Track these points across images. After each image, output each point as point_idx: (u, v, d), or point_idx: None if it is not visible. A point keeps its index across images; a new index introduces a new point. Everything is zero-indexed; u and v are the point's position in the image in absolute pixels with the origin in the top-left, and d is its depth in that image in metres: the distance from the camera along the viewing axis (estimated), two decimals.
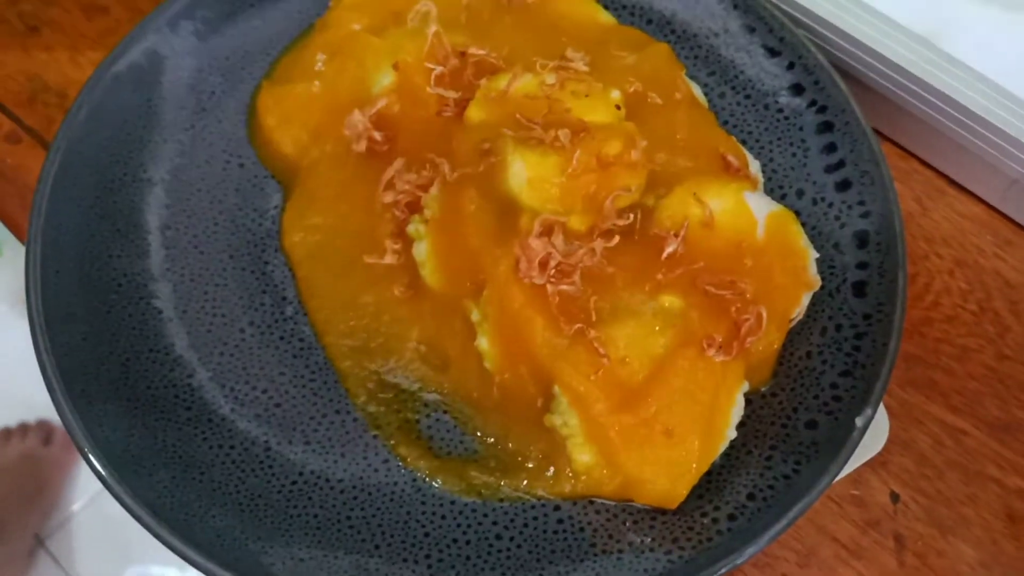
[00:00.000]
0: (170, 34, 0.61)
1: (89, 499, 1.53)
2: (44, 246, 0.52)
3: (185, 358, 0.53)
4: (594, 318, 0.50)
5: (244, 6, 0.64)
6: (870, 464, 0.56)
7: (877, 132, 0.68)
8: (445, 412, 0.53)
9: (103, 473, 0.46)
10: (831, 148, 0.60)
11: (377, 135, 0.57)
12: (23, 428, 1.58)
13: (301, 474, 0.51)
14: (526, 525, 0.49)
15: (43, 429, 1.59)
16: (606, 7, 0.66)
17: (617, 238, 0.51)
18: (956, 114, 0.62)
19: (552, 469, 0.51)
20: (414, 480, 0.51)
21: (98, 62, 0.68)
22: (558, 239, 0.50)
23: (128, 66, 0.59)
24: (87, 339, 0.51)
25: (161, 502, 0.46)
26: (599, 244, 0.50)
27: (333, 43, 0.61)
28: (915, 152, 0.68)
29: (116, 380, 0.51)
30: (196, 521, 0.46)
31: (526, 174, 0.51)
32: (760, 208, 0.54)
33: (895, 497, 0.55)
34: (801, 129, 0.62)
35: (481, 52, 0.57)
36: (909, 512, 0.55)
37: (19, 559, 1.49)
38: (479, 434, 0.53)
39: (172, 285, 0.56)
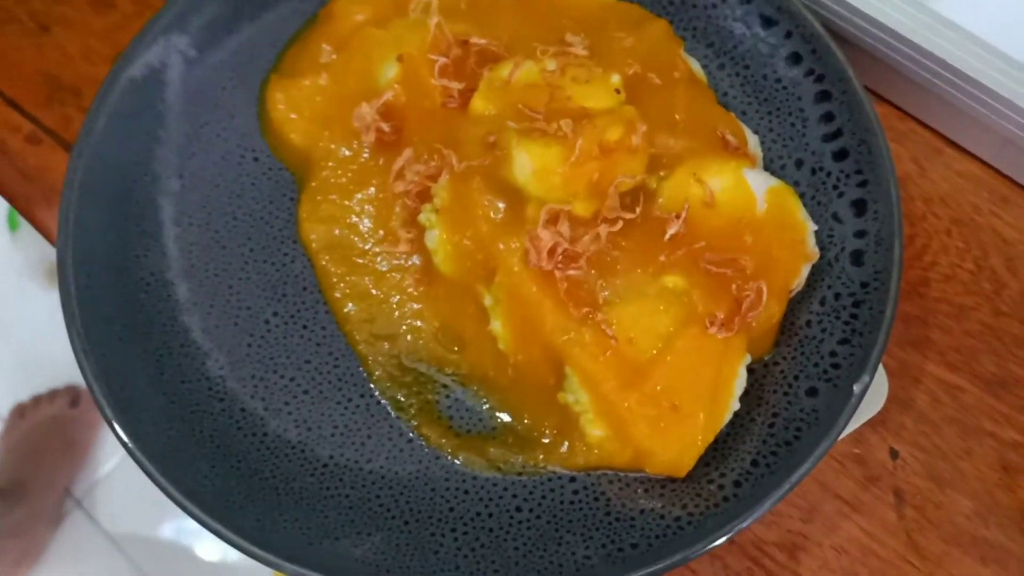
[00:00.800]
0: (178, 34, 0.62)
1: (122, 458, 1.58)
2: (75, 252, 0.55)
3: (214, 352, 0.56)
4: (601, 301, 0.52)
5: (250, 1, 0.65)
6: (870, 423, 0.59)
7: (875, 94, 0.69)
8: (463, 392, 0.56)
9: (148, 468, 0.49)
10: (829, 117, 0.61)
11: (385, 126, 0.59)
12: (52, 394, 1.63)
13: (332, 457, 0.54)
14: (544, 497, 0.53)
15: (70, 393, 1.64)
16: None
17: (621, 222, 0.53)
18: (949, 75, 0.63)
19: (566, 443, 0.54)
20: (437, 458, 0.54)
21: (110, 58, 0.70)
22: (564, 226, 0.52)
23: (140, 69, 0.60)
24: (122, 339, 0.54)
25: (203, 492, 0.50)
26: (604, 229, 0.53)
27: (337, 35, 0.63)
28: (913, 113, 0.69)
29: (152, 376, 0.54)
30: (236, 508, 0.50)
31: (531, 165, 0.53)
32: (759, 184, 0.56)
33: (894, 454, 0.58)
34: (799, 99, 0.63)
35: (482, 41, 0.59)
36: (908, 467, 0.58)
37: (42, 519, 1.54)
38: (496, 412, 0.56)
39: (198, 282, 0.58)
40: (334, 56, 0.62)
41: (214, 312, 0.58)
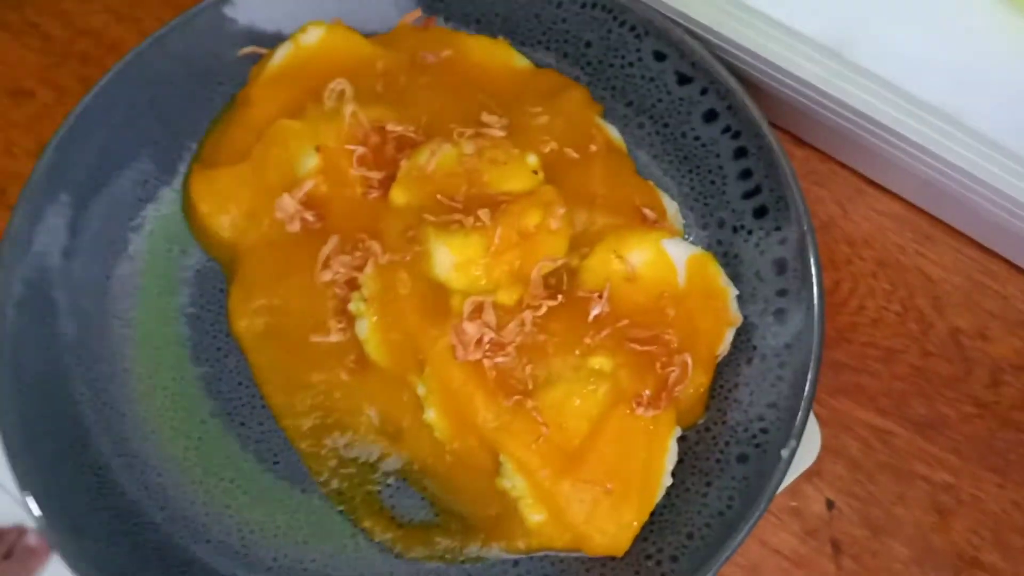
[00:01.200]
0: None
1: None
2: (11, 374, 0.55)
3: (152, 459, 0.56)
4: (530, 386, 0.53)
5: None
6: (805, 474, 0.60)
7: (796, 138, 0.70)
8: (404, 481, 0.57)
9: None
10: (747, 174, 0.62)
11: (309, 216, 0.59)
12: None
13: (275, 559, 0.54)
14: None
15: (7, 543, 1.62)
16: (522, 44, 0.68)
17: (545, 307, 0.54)
18: (864, 123, 0.64)
19: (507, 528, 0.55)
20: (382, 551, 0.55)
21: (33, 151, 0.70)
22: (489, 316, 0.53)
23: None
24: (58, 457, 0.54)
25: None
26: (528, 316, 0.53)
27: (255, 122, 0.63)
28: (834, 155, 0.70)
29: (92, 491, 0.54)
30: None
31: (451, 259, 0.53)
32: (679, 254, 0.57)
33: (830, 504, 0.60)
34: (718, 156, 0.64)
35: (399, 128, 0.59)
36: (844, 517, 0.59)
37: None
38: (438, 499, 0.56)
39: (132, 383, 0.58)
40: (255, 147, 0.62)
41: (151, 415, 0.58)
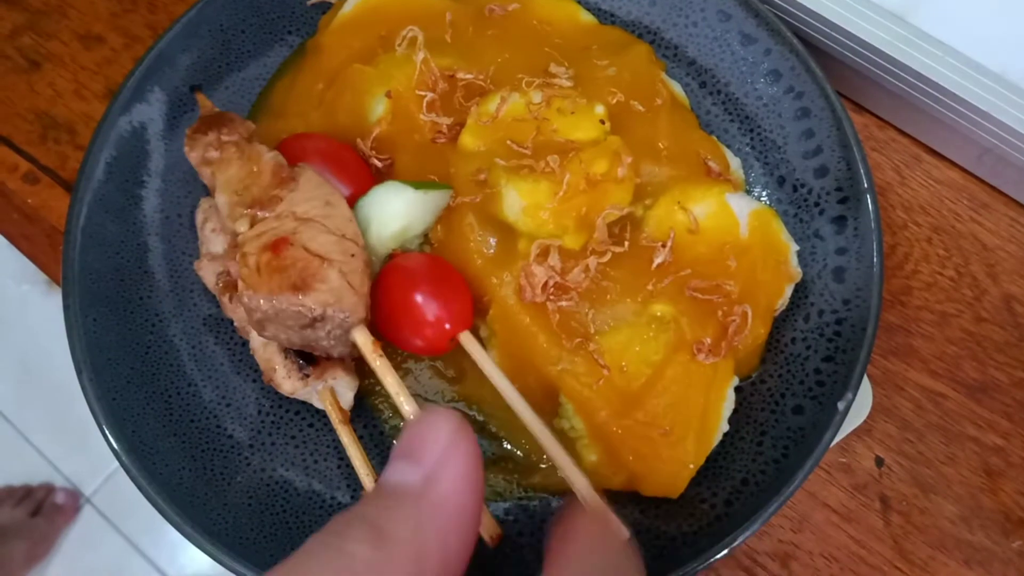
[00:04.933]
0: (169, 69, 0.63)
1: None
2: (81, 296, 0.56)
3: (207, 394, 0.58)
4: (592, 330, 0.54)
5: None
6: (856, 432, 0.61)
7: (856, 104, 0.70)
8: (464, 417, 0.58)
9: (167, 512, 0.51)
10: (809, 134, 0.63)
11: (378, 162, 0.60)
12: (26, 491, 1.65)
13: (348, 483, 0.56)
14: (543, 521, 0.55)
15: (35, 500, 1.66)
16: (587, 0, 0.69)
17: (609, 254, 0.55)
18: (927, 88, 0.64)
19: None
20: None
21: (102, 94, 0.71)
22: (555, 260, 0.54)
23: (132, 118, 0.61)
24: (131, 382, 0.56)
25: (220, 531, 0.52)
26: (593, 261, 0.54)
27: (326, 70, 0.64)
28: (892, 122, 0.70)
29: (161, 417, 0.56)
30: (251, 546, 0.52)
31: (520, 202, 0.54)
32: (742, 208, 0.58)
33: (880, 461, 0.60)
34: (780, 116, 0.64)
35: (468, 76, 0.60)
36: (893, 475, 0.60)
37: None
38: (495, 438, 0.57)
39: (183, 324, 0.60)
40: (325, 92, 0.63)
41: (202, 357, 0.59)
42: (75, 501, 1.75)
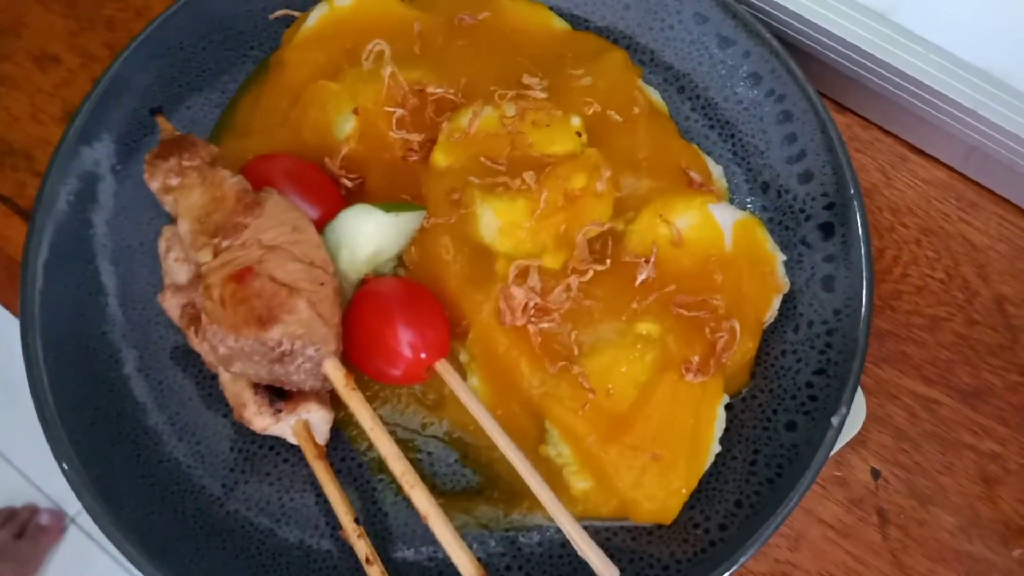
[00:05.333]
0: (127, 91, 0.61)
1: None
2: (42, 335, 0.54)
3: (176, 432, 0.56)
4: (576, 352, 0.52)
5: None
6: (850, 444, 0.59)
7: (838, 104, 0.69)
8: (446, 451, 0.56)
9: (136, 558, 0.49)
10: (792, 138, 0.61)
11: (348, 182, 0.58)
12: (10, 512, 1.62)
13: (316, 526, 0.54)
14: (532, 553, 0.53)
15: (19, 522, 1.63)
16: (559, 6, 0.67)
17: (591, 272, 0.53)
18: (912, 87, 0.62)
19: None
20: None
21: (59, 117, 0.68)
22: (535, 281, 0.52)
23: (90, 144, 0.59)
24: (95, 423, 0.53)
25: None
26: (574, 280, 0.52)
27: (290, 86, 0.61)
28: (876, 122, 0.69)
29: (129, 459, 0.53)
30: None
31: (496, 222, 0.52)
32: (726, 219, 0.56)
33: (876, 473, 0.59)
34: (761, 120, 0.62)
35: (439, 90, 0.58)
36: (890, 486, 0.58)
37: None
38: (480, 467, 0.55)
39: (149, 359, 0.57)
40: (290, 110, 0.61)
41: (163, 396, 0.57)
42: (60, 522, 1.72)
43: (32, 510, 1.70)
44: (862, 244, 0.56)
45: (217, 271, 0.50)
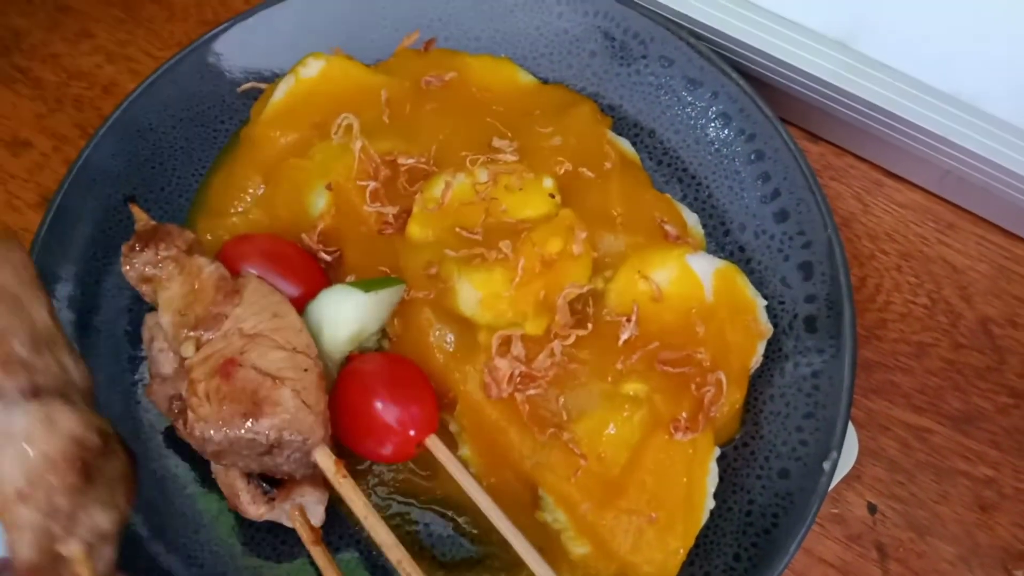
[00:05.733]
0: (100, 178, 0.61)
1: None
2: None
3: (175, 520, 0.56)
4: (565, 417, 0.52)
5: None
6: (845, 480, 0.59)
7: (810, 133, 0.69)
8: (442, 525, 0.56)
9: None
10: (765, 177, 0.61)
11: (326, 255, 0.58)
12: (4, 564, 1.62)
13: None
14: None
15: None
16: (524, 58, 0.67)
17: (574, 336, 0.53)
18: (879, 116, 0.63)
19: (550, 562, 0.54)
20: None
21: (35, 204, 0.68)
22: (518, 349, 0.52)
23: (62, 235, 0.59)
24: None
25: None
26: (557, 346, 0.52)
27: (262, 163, 0.61)
28: (849, 149, 0.69)
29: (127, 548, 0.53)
30: None
31: (476, 295, 0.52)
32: (704, 269, 0.56)
33: (872, 508, 0.59)
34: (734, 160, 0.62)
35: (410, 161, 0.58)
36: (887, 520, 0.59)
37: None
38: (478, 537, 0.55)
39: (142, 448, 0.57)
40: (263, 186, 0.61)
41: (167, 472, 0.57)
42: None
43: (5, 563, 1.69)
44: (843, 281, 0.56)
45: (201, 366, 0.50)
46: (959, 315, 0.64)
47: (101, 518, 0.43)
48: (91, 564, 0.41)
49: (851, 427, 0.59)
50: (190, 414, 0.50)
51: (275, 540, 0.56)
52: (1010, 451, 0.60)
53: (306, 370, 0.50)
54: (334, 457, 0.49)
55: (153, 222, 0.59)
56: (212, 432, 0.49)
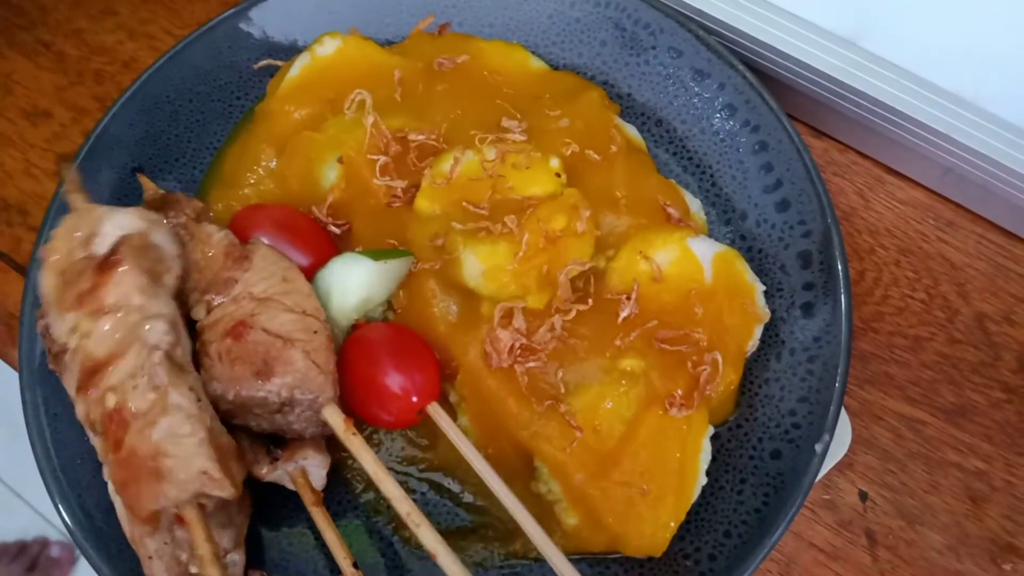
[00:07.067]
0: (117, 147, 0.62)
1: None
2: (42, 391, 0.55)
3: None
4: (563, 390, 0.53)
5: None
6: (837, 467, 0.60)
7: (814, 130, 0.70)
8: (439, 487, 0.57)
9: None
10: (768, 168, 0.62)
11: (335, 228, 0.59)
12: (21, 547, 1.64)
13: (315, 570, 0.55)
14: None
15: (30, 555, 1.64)
16: (536, 45, 0.68)
17: (574, 311, 0.54)
18: (883, 112, 0.64)
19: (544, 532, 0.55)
20: (420, 558, 0.55)
21: (52, 172, 0.70)
22: (519, 322, 0.53)
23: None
24: (96, 476, 0.55)
25: None
26: (558, 320, 0.53)
27: (277, 136, 0.63)
28: (853, 145, 0.70)
29: None
30: None
31: (480, 267, 0.53)
32: (705, 252, 0.57)
33: (863, 495, 0.60)
34: (738, 151, 0.64)
35: (420, 137, 0.59)
36: (878, 508, 0.59)
37: None
38: (473, 505, 0.56)
39: None
40: (276, 159, 0.62)
41: None
42: (71, 554, 1.73)
43: (43, 543, 1.71)
44: (840, 270, 0.57)
45: (212, 328, 0.52)
46: (956, 311, 0.65)
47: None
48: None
49: (845, 415, 0.60)
50: (202, 373, 0.51)
51: (275, 503, 0.57)
52: (1002, 445, 0.61)
53: (316, 332, 0.52)
54: (343, 415, 0.50)
55: (161, 191, 0.60)
56: (225, 391, 0.50)
